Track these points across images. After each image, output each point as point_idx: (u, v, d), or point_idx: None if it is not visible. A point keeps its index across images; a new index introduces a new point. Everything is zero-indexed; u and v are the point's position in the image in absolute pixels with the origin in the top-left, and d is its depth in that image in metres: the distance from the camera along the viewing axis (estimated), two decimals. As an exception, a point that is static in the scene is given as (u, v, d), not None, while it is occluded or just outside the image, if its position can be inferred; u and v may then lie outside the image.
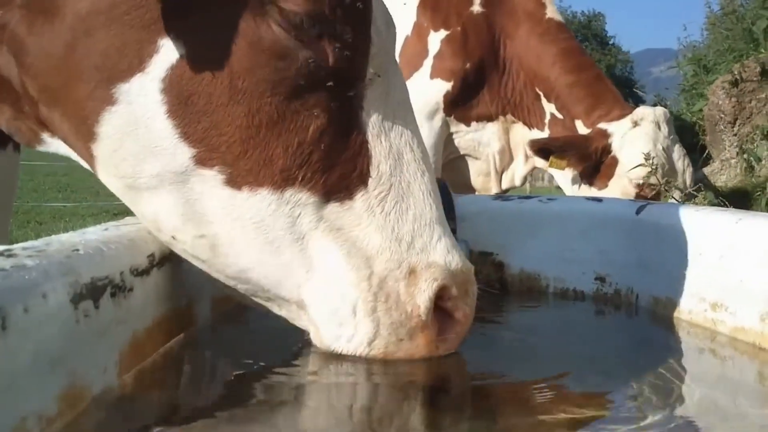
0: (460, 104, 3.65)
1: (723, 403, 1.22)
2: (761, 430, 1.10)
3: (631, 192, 3.40)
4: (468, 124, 3.69)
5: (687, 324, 1.67)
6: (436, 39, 3.76)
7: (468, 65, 3.64)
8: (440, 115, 3.65)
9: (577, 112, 3.53)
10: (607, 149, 3.41)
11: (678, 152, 3.48)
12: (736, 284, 1.53)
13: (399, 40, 3.88)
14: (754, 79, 4.78)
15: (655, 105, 7.08)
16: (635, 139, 3.39)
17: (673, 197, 3.25)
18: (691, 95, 6.52)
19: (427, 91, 3.67)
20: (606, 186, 3.40)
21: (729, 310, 1.55)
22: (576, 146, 3.43)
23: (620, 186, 3.43)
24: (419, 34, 3.82)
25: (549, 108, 3.58)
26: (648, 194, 3.33)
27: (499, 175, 3.83)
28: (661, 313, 1.78)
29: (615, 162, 3.40)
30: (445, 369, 1.42)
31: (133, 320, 1.24)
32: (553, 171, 3.73)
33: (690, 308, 1.68)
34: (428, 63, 3.72)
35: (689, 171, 3.53)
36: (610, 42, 61.32)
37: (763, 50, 5.14)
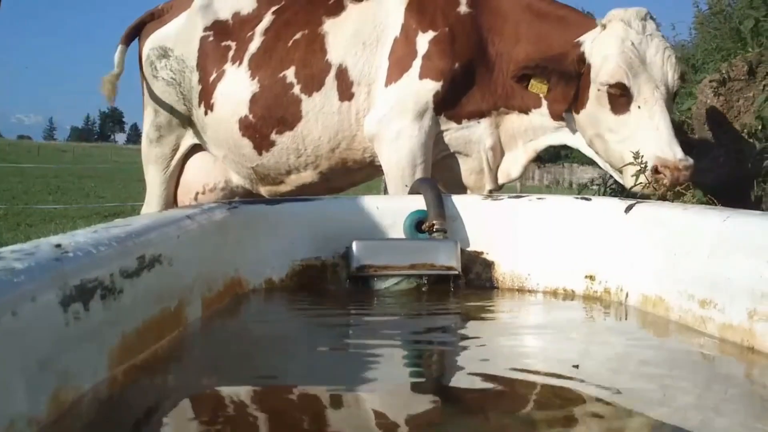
0: (450, 103, 3.64)
1: (713, 400, 1.23)
2: (752, 426, 1.10)
3: (604, 101, 3.27)
4: (459, 122, 3.69)
5: (676, 321, 1.68)
6: (424, 40, 3.75)
7: (456, 65, 3.62)
8: (430, 114, 3.64)
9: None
10: (581, 58, 3.31)
11: (656, 46, 3.27)
12: (725, 281, 1.53)
13: (387, 42, 3.84)
14: (742, 78, 4.79)
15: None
16: (602, 39, 3.28)
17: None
18: (680, 94, 6.54)
19: (416, 91, 3.65)
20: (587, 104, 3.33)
21: (717, 308, 1.56)
22: (553, 61, 3.37)
23: (595, 95, 3.30)
24: (407, 36, 3.81)
25: None
26: (618, 95, 3.17)
27: (494, 172, 3.82)
28: (651, 311, 1.79)
29: (589, 69, 3.31)
30: (438, 366, 1.42)
31: (122, 322, 1.24)
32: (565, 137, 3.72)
33: (679, 306, 1.69)
34: (417, 63, 3.70)
35: (672, 65, 3.27)
36: (600, 41, 61.54)
37: (750, 49, 5.16)
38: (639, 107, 3.20)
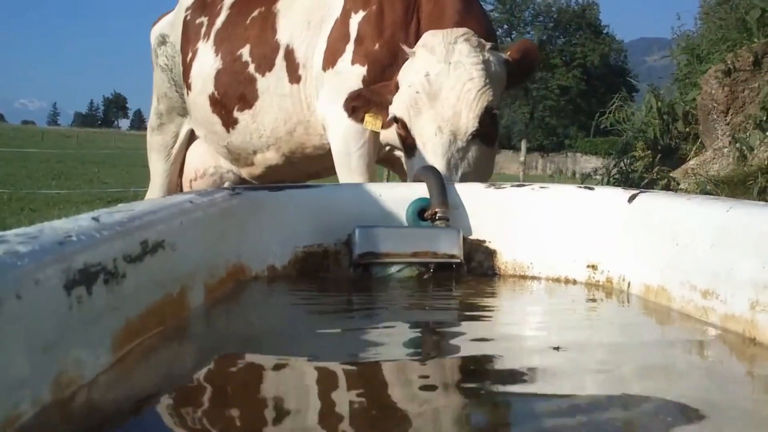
0: None
1: (713, 391, 1.23)
2: (751, 417, 1.11)
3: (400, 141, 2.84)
4: None
5: (678, 312, 1.68)
6: (355, 22, 3.52)
7: (377, 46, 3.39)
8: None
9: None
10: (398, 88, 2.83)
11: (456, 79, 2.68)
12: (727, 272, 1.53)
13: (330, 24, 3.60)
14: (747, 68, 4.79)
15: (648, 93, 7.08)
16: (406, 68, 2.81)
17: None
18: (685, 84, 6.53)
19: (348, 78, 3.43)
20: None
21: (720, 298, 1.56)
22: (374, 92, 3.01)
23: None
24: (344, 17, 3.59)
25: None
26: (404, 136, 2.73)
27: None
28: (653, 301, 1.79)
29: None
30: (437, 355, 1.43)
31: (125, 307, 1.25)
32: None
33: (681, 296, 1.69)
34: (350, 48, 3.49)
35: (468, 102, 2.65)
36: (604, 31, 61.49)
37: (756, 40, 5.15)
38: (418, 149, 2.70)
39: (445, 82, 2.67)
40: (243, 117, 4.00)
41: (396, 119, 2.76)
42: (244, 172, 4.40)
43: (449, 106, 2.65)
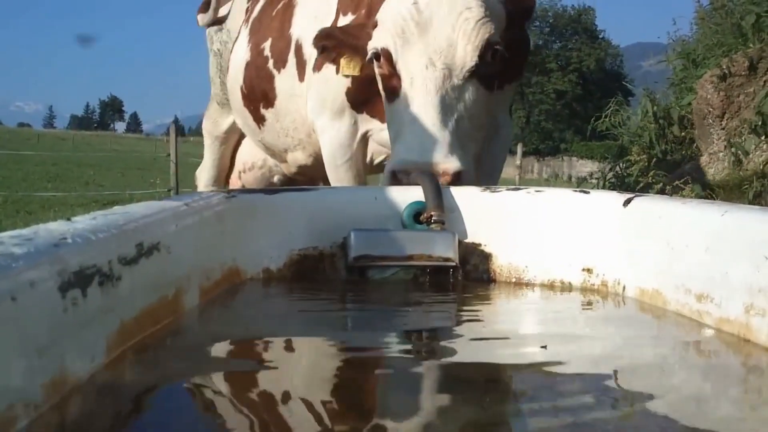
0: (366, 98, 3.06)
1: (709, 394, 1.23)
2: (747, 419, 1.11)
3: (380, 83, 2.59)
4: (382, 120, 2.99)
5: (673, 315, 1.69)
6: (342, 24, 3.17)
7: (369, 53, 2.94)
8: (348, 112, 3.14)
9: None
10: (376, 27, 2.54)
11: (450, 7, 2.32)
12: (722, 276, 1.54)
13: (330, 20, 3.31)
14: (743, 73, 4.80)
15: (644, 98, 7.10)
16: (384, 5, 2.50)
17: None
18: (680, 89, 6.55)
19: (333, 86, 3.15)
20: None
21: (714, 302, 1.56)
22: (348, 34, 2.71)
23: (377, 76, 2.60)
24: (336, 18, 3.30)
25: None
26: (387, 74, 2.45)
27: None
28: (648, 305, 1.79)
29: None
30: (431, 356, 1.43)
31: (120, 309, 1.24)
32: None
33: (676, 299, 1.69)
34: None
35: (466, 33, 2.31)
36: (600, 36, 61.68)
37: (751, 45, 5.17)
38: (403, 89, 2.38)
39: (436, 11, 2.32)
40: (269, 115, 3.79)
41: (377, 55, 2.44)
42: (284, 168, 4.24)
43: (443, 36, 2.30)
